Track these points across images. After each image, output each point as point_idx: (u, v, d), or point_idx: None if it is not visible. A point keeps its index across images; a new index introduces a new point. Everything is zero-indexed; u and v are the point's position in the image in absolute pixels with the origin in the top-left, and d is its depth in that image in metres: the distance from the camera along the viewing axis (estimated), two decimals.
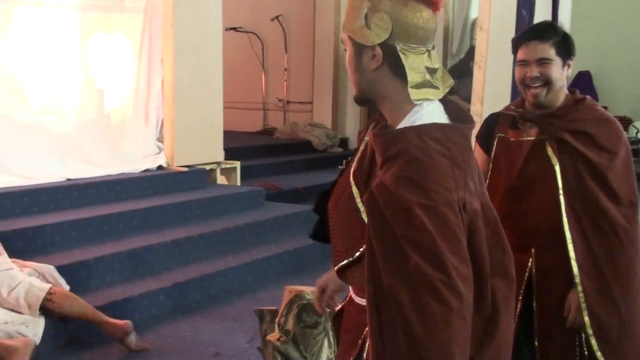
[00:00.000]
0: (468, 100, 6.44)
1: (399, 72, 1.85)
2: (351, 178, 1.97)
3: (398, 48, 1.85)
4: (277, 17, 10.47)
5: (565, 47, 2.79)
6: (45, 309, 4.06)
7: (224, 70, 6.78)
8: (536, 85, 2.76)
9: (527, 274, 2.85)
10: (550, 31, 2.81)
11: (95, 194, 5.70)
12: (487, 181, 2.85)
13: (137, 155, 6.46)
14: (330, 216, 2.09)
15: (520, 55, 2.80)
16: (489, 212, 1.89)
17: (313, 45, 10.48)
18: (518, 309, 2.78)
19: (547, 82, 2.75)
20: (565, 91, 2.85)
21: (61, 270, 4.42)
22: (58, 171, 5.75)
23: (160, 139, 6.68)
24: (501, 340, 1.86)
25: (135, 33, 6.47)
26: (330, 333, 2.94)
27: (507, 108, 2.99)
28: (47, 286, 4.11)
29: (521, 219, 2.84)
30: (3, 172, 5.45)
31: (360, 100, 1.96)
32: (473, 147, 2.51)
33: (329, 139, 9.92)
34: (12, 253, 4.33)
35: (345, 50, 1.93)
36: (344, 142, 10.34)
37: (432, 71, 1.89)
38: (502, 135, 2.92)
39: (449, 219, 1.71)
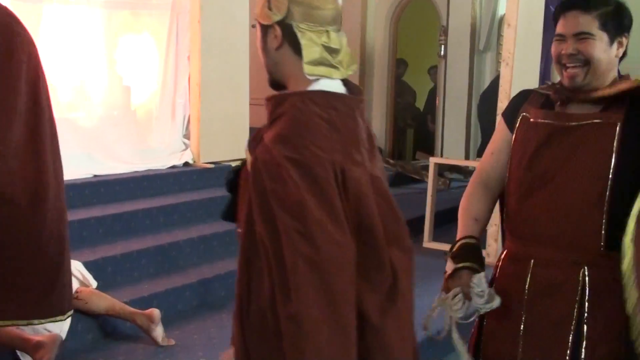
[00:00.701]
0: None
1: (298, 50, 1.95)
2: (246, 148, 2.03)
3: (294, 26, 1.94)
4: None
5: (616, 20, 2.31)
6: (73, 306, 4.09)
7: (251, 66, 6.79)
8: (573, 64, 2.31)
9: (525, 294, 2.40)
10: (596, 0, 2.32)
11: (122, 190, 5.73)
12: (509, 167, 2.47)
13: (164, 152, 6.49)
14: (240, 198, 2.14)
15: (558, 28, 2.36)
16: (379, 184, 1.97)
17: None
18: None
19: (587, 62, 2.29)
20: (615, 74, 2.37)
21: (88, 266, 4.45)
22: (85, 167, 5.79)
23: (186, 135, 6.70)
24: (402, 307, 1.94)
25: (162, 30, 6.49)
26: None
27: (542, 87, 2.54)
28: (74, 285, 4.13)
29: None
30: None
31: (272, 83, 2.07)
32: (497, 124, 2.62)
33: None
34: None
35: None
36: None
37: (331, 51, 1.97)
38: (526, 114, 2.45)
39: (317, 173, 1.79)
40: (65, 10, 5.93)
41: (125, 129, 6.35)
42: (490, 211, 2.64)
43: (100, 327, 4.31)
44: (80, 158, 5.85)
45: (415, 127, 11.26)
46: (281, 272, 1.75)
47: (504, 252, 2.60)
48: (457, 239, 2.61)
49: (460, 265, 2.48)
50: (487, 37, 9.67)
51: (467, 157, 9.55)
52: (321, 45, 1.95)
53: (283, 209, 1.76)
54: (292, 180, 1.77)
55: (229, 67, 6.61)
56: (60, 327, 3.94)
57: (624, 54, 2.36)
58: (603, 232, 2.26)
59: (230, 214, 2.23)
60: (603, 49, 2.30)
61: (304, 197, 1.75)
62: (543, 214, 2.34)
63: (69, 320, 4.04)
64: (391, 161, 9.42)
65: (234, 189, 2.19)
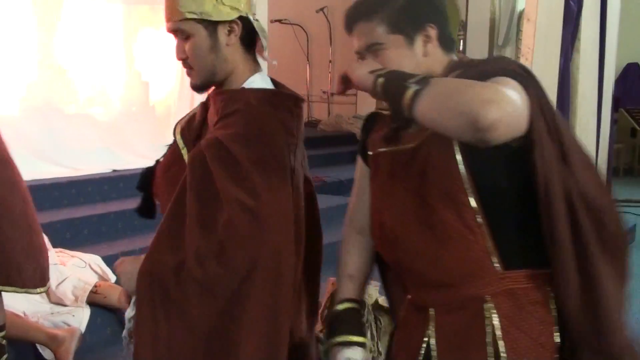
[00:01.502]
0: None
1: (248, 42, 1.98)
2: (179, 136, 2.05)
3: (251, 17, 1.96)
4: (322, 9, 10.44)
5: (410, 13, 1.86)
6: (92, 300, 4.12)
7: (268, 62, 6.77)
8: None
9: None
10: (373, 1, 1.89)
11: None
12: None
13: None
14: (159, 192, 2.19)
15: (353, 44, 1.98)
16: (307, 187, 2.09)
17: None
18: None
19: None
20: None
21: (107, 260, 4.47)
22: (104, 162, 5.82)
23: None
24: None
25: None
26: (374, 325, 2.94)
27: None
28: (93, 280, 4.16)
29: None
30: (51, 163, 5.53)
31: (206, 84, 2.02)
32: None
33: None
34: (59, 243, 4.39)
35: (188, 38, 1.96)
36: None
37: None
38: (368, 145, 2.11)
39: (278, 174, 1.85)
40: (85, 6, 5.95)
41: (144, 124, 6.38)
42: (368, 261, 2.16)
43: (119, 321, 4.33)
44: (99, 153, 5.88)
45: None
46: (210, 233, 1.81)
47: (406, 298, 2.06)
48: (336, 302, 2.12)
49: (335, 341, 2.02)
50: (506, 32, 9.63)
51: None
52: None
53: (234, 182, 1.80)
54: (250, 178, 1.81)
55: None
56: (80, 321, 3.97)
57: (459, 44, 2.09)
58: (495, 253, 1.80)
59: (145, 211, 2.26)
60: (403, 55, 1.85)
61: (261, 187, 1.82)
62: (418, 258, 1.87)
63: (88, 314, 4.08)
64: None
65: (145, 188, 2.25)
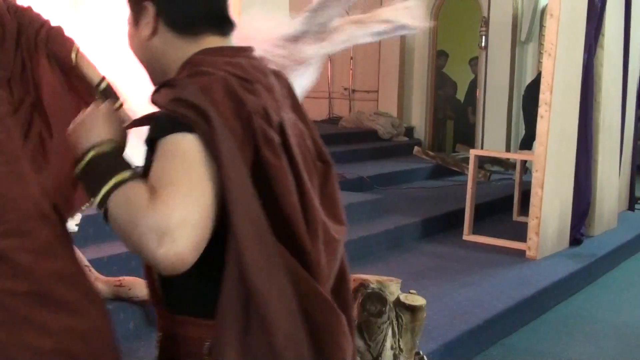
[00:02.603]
0: None
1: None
2: None
3: None
4: None
5: None
6: (115, 294, 4.15)
7: None
8: None
9: None
10: None
11: None
12: None
13: None
14: None
15: None
16: None
17: None
18: None
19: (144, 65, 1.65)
20: (174, 65, 1.57)
21: (111, 260, 4.49)
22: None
23: None
24: None
25: None
26: (395, 322, 2.94)
27: None
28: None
29: None
30: None
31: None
32: None
33: (395, 128, 9.88)
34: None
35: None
36: (409, 131, 10.28)
37: None
38: None
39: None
40: (102, 2, 5.99)
41: None
42: None
43: (142, 315, 4.36)
44: None
45: (455, 119, 11.21)
46: None
47: None
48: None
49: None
50: (529, 28, 9.59)
51: (507, 149, 9.49)
52: None
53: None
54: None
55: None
56: None
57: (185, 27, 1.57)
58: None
59: None
60: (131, 35, 1.62)
61: None
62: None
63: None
64: (431, 153, 9.39)
65: None
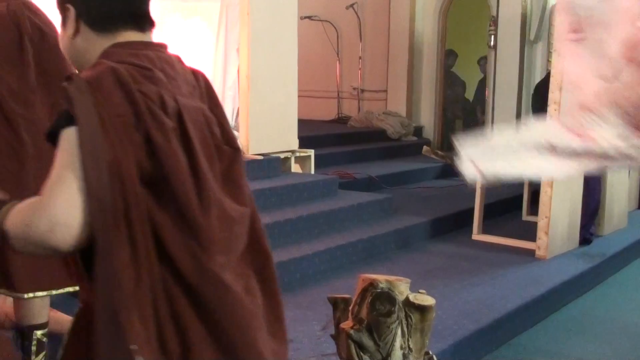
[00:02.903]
0: None
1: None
2: None
3: None
4: (352, 5, 10.45)
5: None
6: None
7: (299, 58, 6.79)
8: None
9: None
10: None
11: None
12: None
13: None
14: None
15: None
16: None
17: (388, 33, 10.43)
18: None
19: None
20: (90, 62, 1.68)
21: None
22: None
23: (235, 127, 6.74)
24: None
25: (212, 21, 6.55)
26: (404, 322, 2.93)
27: None
28: None
29: None
30: None
31: None
32: None
33: (404, 128, 9.87)
34: None
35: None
36: (418, 131, 10.26)
37: None
38: None
39: None
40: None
41: None
42: None
43: None
44: None
45: (464, 119, 11.18)
46: None
47: None
48: None
49: None
50: (538, 27, 9.56)
51: None
52: None
53: None
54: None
55: (277, 59, 6.64)
56: None
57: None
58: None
59: None
60: (61, 36, 1.76)
61: None
62: None
63: None
64: (440, 153, 9.38)
65: None
